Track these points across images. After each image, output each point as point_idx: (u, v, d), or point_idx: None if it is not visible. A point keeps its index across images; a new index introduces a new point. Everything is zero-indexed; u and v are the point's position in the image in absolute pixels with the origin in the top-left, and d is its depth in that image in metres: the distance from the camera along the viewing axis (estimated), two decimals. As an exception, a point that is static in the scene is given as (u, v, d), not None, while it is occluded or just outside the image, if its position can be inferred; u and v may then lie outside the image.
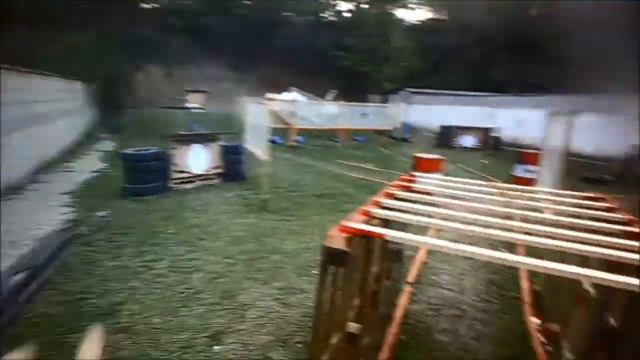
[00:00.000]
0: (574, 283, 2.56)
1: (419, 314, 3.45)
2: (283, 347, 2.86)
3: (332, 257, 1.57)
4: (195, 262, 4.27)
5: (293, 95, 17.23)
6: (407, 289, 3.88)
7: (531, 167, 8.35)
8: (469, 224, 1.77)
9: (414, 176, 3.24)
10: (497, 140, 15.43)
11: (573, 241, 1.54)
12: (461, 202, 2.40)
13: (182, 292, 3.61)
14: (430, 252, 4.93)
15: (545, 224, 1.82)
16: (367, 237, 1.83)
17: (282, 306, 3.45)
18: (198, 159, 7.26)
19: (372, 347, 2.45)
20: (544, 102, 15.83)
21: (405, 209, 2.02)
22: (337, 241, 1.57)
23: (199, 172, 7.38)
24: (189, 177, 7.27)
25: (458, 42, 29.66)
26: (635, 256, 1.39)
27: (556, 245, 1.48)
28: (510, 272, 4.39)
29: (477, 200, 2.26)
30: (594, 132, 13.89)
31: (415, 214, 1.93)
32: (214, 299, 3.53)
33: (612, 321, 2.03)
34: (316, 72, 30.43)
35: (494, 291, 3.95)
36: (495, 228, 1.62)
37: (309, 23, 31.82)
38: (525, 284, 4.07)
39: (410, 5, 33.20)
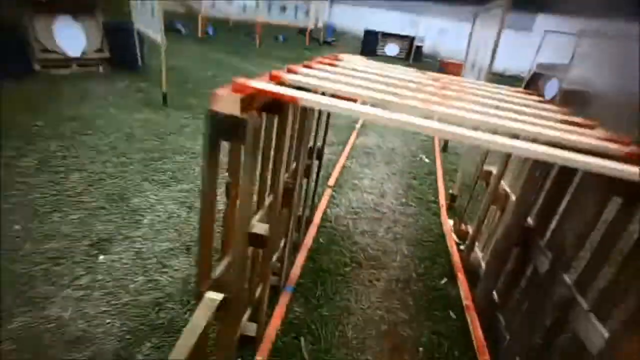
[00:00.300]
0: (485, 186, 2.62)
1: (339, 217, 3.34)
2: (185, 255, 2.50)
3: (222, 126, 1.05)
4: (74, 160, 3.46)
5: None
6: (328, 191, 3.71)
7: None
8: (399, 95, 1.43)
9: (338, 57, 2.76)
10: (420, 50, 15.44)
11: (517, 121, 1.33)
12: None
13: (55, 195, 2.91)
14: (350, 157, 4.80)
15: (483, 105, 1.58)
16: (274, 108, 1.38)
17: (186, 210, 3.01)
18: (71, 37, 5.68)
19: (286, 250, 2.21)
20: (467, 13, 15.95)
21: (323, 77, 1.58)
22: (229, 103, 1.03)
23: (76, 55, 5.86)
24: (62, 61, 5.74)
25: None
26: (574, 137, 1.22)
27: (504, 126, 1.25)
28: (430, 178, 4.52)
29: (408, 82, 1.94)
30: (509, 49, 14.54)
31: (335, 82, 1.51)
32: (99, 202, 2.92)
33: (529, 220, 2.06)
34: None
35: (413, 195, 4.02)
36: (427, 102, 1.32)
37: None
38: (442, 188, 4.22)
39: None
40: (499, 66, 14.91)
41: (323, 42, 17.09)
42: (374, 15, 20.94)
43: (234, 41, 12.89)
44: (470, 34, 5.13)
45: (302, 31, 18.16)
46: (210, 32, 13.11)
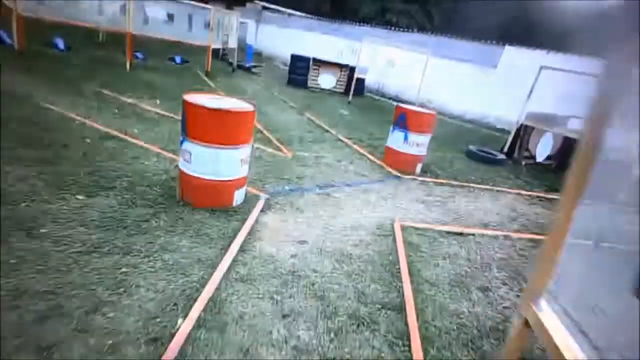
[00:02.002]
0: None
1: None
2: None
3: None
4: None
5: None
6: None
7: (416, 137, 5.18)
8: None
9: None
10: (362, 83, 12.47)
11: None
12: None
13: None
14: None
15: None
16: None
17: None
18: None
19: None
20: (424, 43, 13.40)
21: None
22: None
23: None
24: None
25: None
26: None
27: None
28: None
29: None
30: (472, 87, 12.37)
31: None
32: None
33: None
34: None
35: None
36: None
37: None
38: None
39: None
40: (456, 109, 12.54)
41: (237, 67, 13.42)
42: (306, 39, 17.91)
43: (91, 61, 8.66)
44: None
45: (216, 51, 14.35)
46: (59, 44, 8.74)
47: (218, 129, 2.90)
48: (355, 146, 6.27)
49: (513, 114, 10.94)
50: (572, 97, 10.90)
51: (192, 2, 9.87)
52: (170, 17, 9.60)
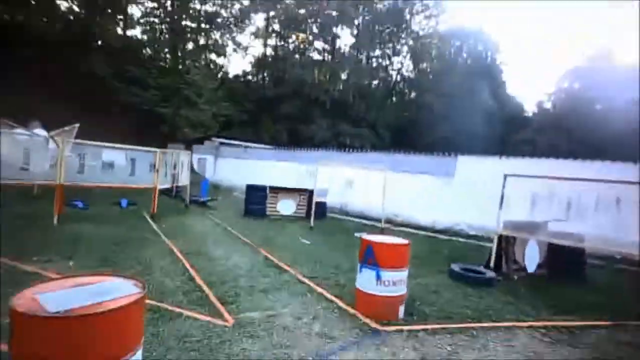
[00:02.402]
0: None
1: None
2: None
3: None
4: None
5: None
6: None
7: (391, 274, 4.16)
8: None
9: None
10: (322, 206, 11.92)
11: None
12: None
13: None
14: None
15: None
16: None
17: None
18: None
19: None
20: (380, 160, 13.54)
21: None
22: None
23: None
24: None
25: (277, 93, 27.82)
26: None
27: None
28: None
29: None
30: (432, 199, 12.14)
31: None
32: None
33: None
34: (89, 106, 22.55)
35: None
36: None
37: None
38: None
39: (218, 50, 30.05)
40: (424, 220, 12.05)
41: (191, 202, 12.65)
42: (264, 167, 18.01)
43: (15, 218, 7.42)
44: None
45: (167, 191, 13.68)
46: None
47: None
48: (319, 288, 5.10)
49: (484, 218, 10.56)
50: (540, 200, 10.93)
51: (135, 147, 9.47)
52: (110, 164, 8.96)
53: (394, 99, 33.93)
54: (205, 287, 4.78)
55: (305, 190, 12.17)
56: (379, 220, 12.37)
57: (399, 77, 33.94)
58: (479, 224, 10.76)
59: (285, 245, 7.86)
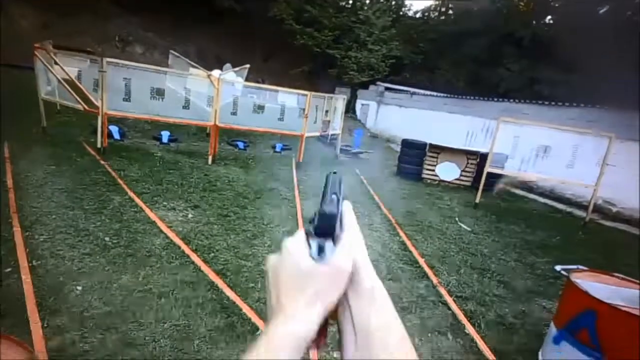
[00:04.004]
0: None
1: None
2: None
3: None
4: None
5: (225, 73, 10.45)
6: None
7: None
8: None
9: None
10: (497, 177, 9.11)
11: None
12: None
13: None
14: None
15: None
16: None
17: None
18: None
19: None
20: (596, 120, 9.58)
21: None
22: None
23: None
24: None
25: (461, 30, 23.45)
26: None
27: None
28: None
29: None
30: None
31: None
32: None
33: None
34: (266, 49, 23.93)
35: None
36: None
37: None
38: None
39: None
40: None
41: (341, 152, 11.77)
42: (430, 118, 15.57)
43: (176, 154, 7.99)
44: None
45: (323, 137, 13.27)
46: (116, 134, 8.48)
47: None
48: (472, 329, 3.25)
49: None
50: None
51: (284, 89, 8.81)
52: (261, 107, 8.58)
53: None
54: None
55: (475, 152, 9.55)
56: (579, 206, 8.87)
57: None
58: None
59: (435, 227, 6.00)
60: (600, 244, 6.45)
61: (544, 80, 20.00)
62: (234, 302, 3.09)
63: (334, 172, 0.50)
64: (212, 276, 3.44)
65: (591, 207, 7.50)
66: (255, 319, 2.92)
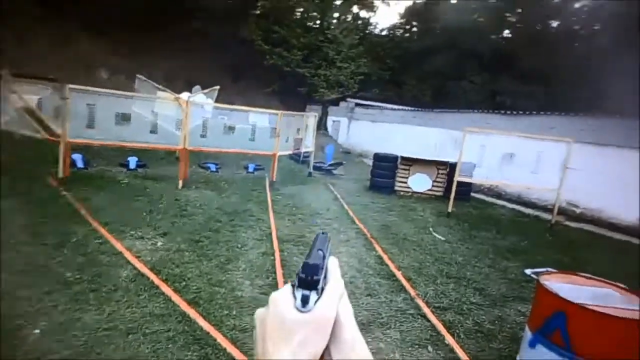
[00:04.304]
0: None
1: None
2: None
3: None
4: None
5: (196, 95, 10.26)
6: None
7: None
8: None
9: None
10: (467, 186, 9.38)
11: None
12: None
13: None
14: None
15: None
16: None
17: None
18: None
19: None
20: (548, 124, 10.07)
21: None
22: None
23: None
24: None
25: (425, 46, 24.42)
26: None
27: None
28: None
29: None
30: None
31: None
32: None
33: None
34: (236, 70, 24.02)
35: None
36: None
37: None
38: None
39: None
40: (625, 216, 7.96)
41: (314, 169, 11.79)
42: (399, 132, 15.95)
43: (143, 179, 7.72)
44: None
45: (295, 156, 13.28)
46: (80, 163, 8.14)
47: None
48: (451, 340, 3.24)
49: None
50: None
51: (255, 110, 8.82)
52: (232, 128, 8.52)
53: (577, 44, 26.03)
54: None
55: (445, 163, 9.82)
56: (544, 209, 9.23)
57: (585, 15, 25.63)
58: None
59: (409, 238, 6.06)
60: (567, 244, 6.70)
61: (505, 92, 21.01)
62: (208, 333, 2.97)
63: (323, 233, 0.54)
64: (184, 306, 3.30)
65: (556, 210, 7.81)
66: (230, 348, 2.80)
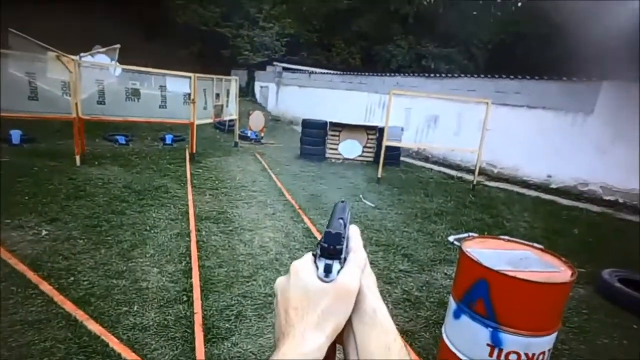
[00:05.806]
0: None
1: None
2: None
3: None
4: None
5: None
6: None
7: (523, 341, 2.01)
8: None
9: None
10: (396, 150, 9.53)
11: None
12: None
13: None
14: None
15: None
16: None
17: None
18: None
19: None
20: (476, 88, 10.44)
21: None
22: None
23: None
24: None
25: (350, 6, 24.00)
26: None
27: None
28: None
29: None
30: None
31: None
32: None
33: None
34: (151, 30, 21.66)
35: None
36: None
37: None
38: None
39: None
40: (535, 175, 8.81)
41: (240, 139, 11.15)
42: (329, 97, 15.71)
43: (37, 156, 6.52)
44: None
45: (220, 125, 12.43)
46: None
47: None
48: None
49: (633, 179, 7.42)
50: None
51: (163, 72, 7.83)
52: (136, 94, 7.48)
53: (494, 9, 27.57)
54: (197, 294, 3.14)
55: (374, 127, 9.83)
56: (468, 171, 9.77)
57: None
58: (624, 185, 7.64)
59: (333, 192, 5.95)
60: (487, 203, 7.12)
61: (429, 55, 21.63)
62: (98, 337, 2.51)
63: (342, 201, 0.53)
64: (69, 307, 2.78)
65: (477, 171, 8.25)
66: (125, 352, 2.39)
